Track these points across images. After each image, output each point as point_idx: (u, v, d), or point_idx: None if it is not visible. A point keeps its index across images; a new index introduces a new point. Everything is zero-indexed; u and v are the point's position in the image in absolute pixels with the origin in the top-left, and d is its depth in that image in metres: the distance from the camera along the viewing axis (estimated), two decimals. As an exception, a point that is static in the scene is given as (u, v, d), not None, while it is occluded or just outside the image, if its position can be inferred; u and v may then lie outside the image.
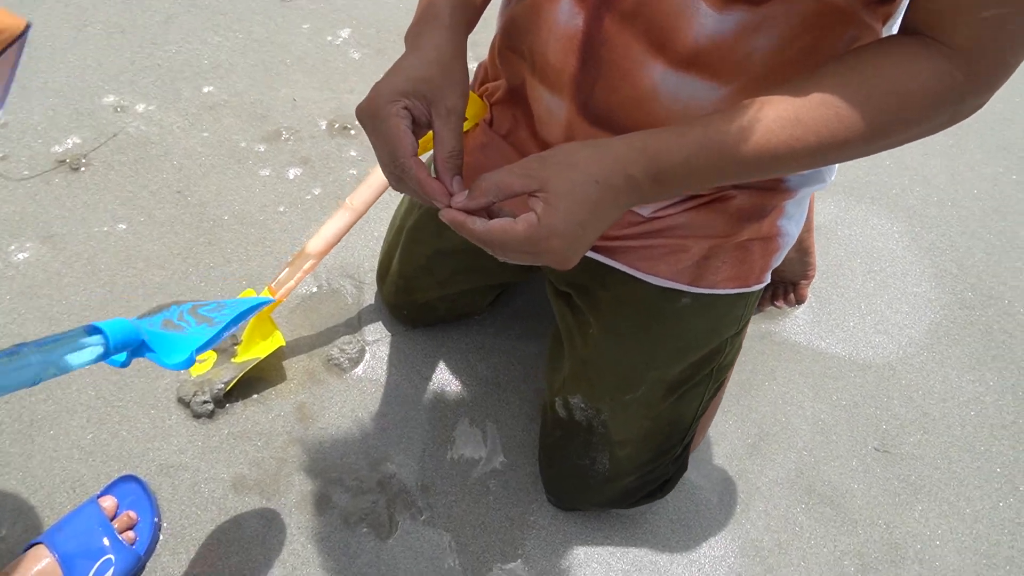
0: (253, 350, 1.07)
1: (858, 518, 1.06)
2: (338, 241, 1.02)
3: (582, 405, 0.90)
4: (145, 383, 1.05)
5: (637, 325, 0.86)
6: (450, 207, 0.62)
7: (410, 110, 0.63)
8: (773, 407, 1.16)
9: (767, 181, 0.78)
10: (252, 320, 1.06)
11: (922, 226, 1.46)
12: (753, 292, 0.86)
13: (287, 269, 1.02)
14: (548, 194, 0.58)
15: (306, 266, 1.01)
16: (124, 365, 0.65)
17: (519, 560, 0.98)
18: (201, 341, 0.66)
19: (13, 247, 1.14)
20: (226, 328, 0.70)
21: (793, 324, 1.27)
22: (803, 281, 1.25)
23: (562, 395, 0.93)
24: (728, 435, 1.12)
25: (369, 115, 0.62)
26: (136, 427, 1.02)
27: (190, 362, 0.65)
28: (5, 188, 1.20)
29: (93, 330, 0.61)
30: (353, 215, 1.02)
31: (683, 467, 0.96)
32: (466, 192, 0.61)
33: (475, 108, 0.89)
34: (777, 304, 1.26)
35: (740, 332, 0.89)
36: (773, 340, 1.24)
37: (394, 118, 0.61)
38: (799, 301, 1.27)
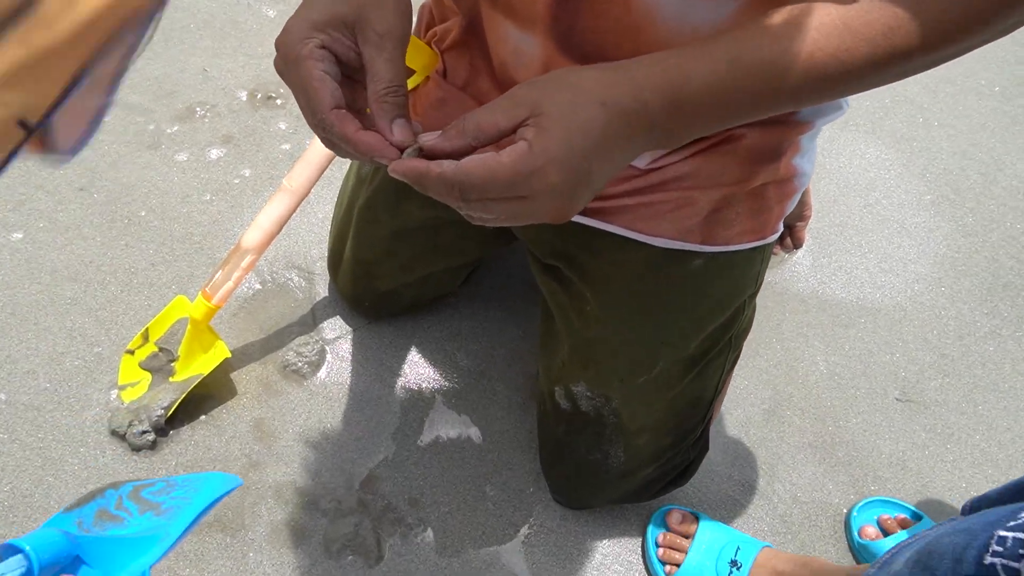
0: (194, 365, 0.91)
1: (888, 475, 0.97)
2: (279, 230, 0.87)
3: (588, 393, 0.78)
4: (68, 417, 0.89)
5: (644, 296, 0.74)
6: (399, 160, 0.47)
7: (329, 47, 0.49)
8: (785, 366, 1.05)
9: (779, 115, 0.66)
10: (189, 330, 0.90)
11: (911, 150, 1.36)
12: (769, 244, 0.74)
13: (222, 270, 0.86)
14: (541, 117, 0.45)
15: (244, 263, 0.86)
16: None
17: (529, 571, 0.86)
18: (157, 555, 0.50)
19: None
20: (188, 527, 0.53)
21: (794, 271, 1.16)
22: (799, 223, 1.15)
23: (562, 383, 0.80)
24: (741, 402, 1.01)
25: (281, 61, 0.49)
26: (64, 471, 0.86)
27: None
28: None
29: (8, 549, 0.46)
30: (293, 198, 0.86)
31: (704, 448, 0.85)
32: (425, 134, 0.48)
33: (423, 58, 0.73)
34: (774, 251, 1.16)
35: (757, 291, 0.78)
36: (775, 291, 1.13)
37: (308, 60, 0.48)
38: (797, 245, 1.17)
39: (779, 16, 0.46)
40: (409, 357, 0.99)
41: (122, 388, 0.92)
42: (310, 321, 1.00)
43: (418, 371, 0.98)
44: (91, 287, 0.98)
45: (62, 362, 0.93)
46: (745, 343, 0.80)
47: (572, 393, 0.79)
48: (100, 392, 0.91)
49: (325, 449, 0.91)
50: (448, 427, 0.95)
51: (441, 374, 0.98)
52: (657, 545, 0.87)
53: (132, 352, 0.93)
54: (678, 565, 0.85)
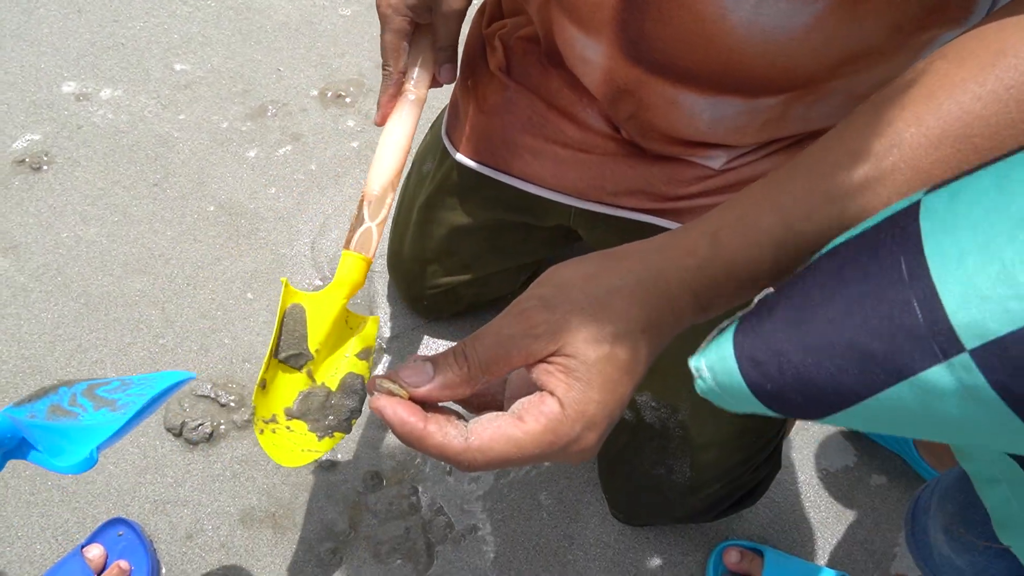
0: (348, 347, 0.70)
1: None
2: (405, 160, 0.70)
3: (652, 404, 0.74)
4: (130, 409, 0.90)
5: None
6: (382, 402, 0.36)
7: (413, 20, 0.65)
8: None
9: None
10: (318, 317, 0.68)
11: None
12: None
13: (363, 225, 0.67)
14: (571, 361, 0.35)
15: (388, 201, 0.69)
16: None
17: (604, 573, 0.82)
18: (105, 435, 0.49)
19: (-30, 262, 0.99)
20: (139, 413, 0.52)
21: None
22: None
23: (624, 391, 0.76)
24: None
25: (379, 16, 0.65)
26: (124, 459, 0.87)
27: (90, 462, 0.48)
28: (-41, 195, 1.05)
29: None
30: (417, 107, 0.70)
31: (776, 466, 0.79)
32: (430, 373, 0.36)
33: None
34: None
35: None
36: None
37: (396, 33, 0.65)
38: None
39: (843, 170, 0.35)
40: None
41: (268, 421, 0.67)
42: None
43: (476, 374, 0.95)
44: (159, 280, 1.00)
45: (128, 352, 0.94)
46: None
47: (635, 403, 0.75)
48: (162, 383, 0.92)
49: (379, 448, 0.90)
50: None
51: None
52: None
53: (264, 385, 0.66)
54: None
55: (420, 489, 0.87)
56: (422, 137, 0.91)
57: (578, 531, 0.85)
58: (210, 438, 0.89)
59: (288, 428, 0.66)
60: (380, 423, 0.91)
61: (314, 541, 0.84)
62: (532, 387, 0.36)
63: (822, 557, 0.86)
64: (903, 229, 0.27)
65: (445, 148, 0.80)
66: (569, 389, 0.34)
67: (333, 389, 0.68)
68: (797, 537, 0.87)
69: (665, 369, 0.72)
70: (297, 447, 0.65)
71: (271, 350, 0.66)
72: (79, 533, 0.83)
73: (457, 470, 0.89)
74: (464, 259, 0.88)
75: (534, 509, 0.87)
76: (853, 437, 0.94)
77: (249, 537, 0.84)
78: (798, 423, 0.93)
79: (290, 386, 0.68)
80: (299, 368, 0.68)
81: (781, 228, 0.35)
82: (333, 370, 0.70)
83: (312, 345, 0.68)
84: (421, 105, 0.70)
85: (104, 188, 1.07)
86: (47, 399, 0.52)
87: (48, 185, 1.07)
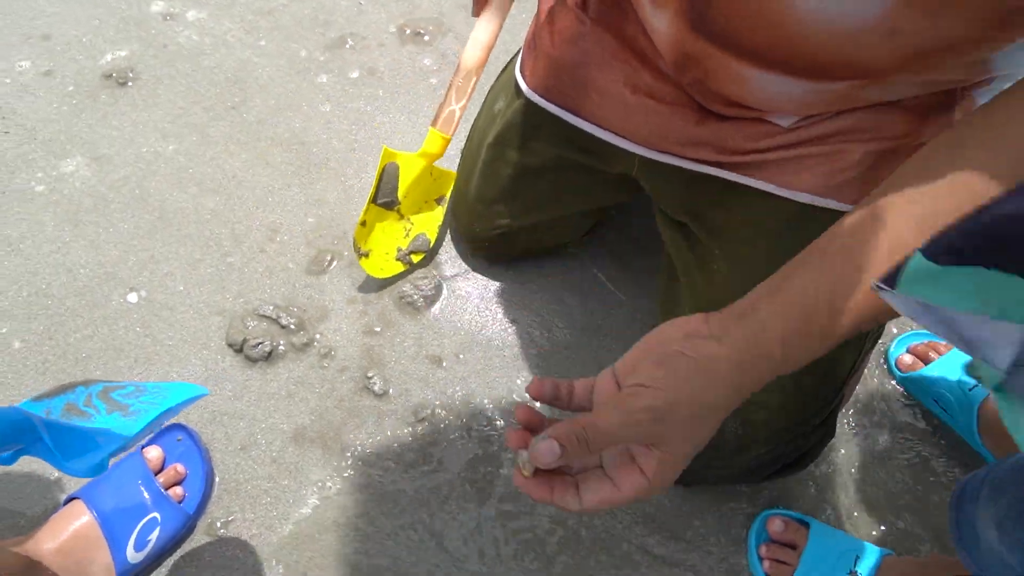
0: (428, 191, 1.00)
1: None
2: (494, 43, 0.86)
3: (706, 358, 0.73)
4: (197, 320, 0.93)
5: (780, 257, 0.66)
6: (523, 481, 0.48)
7: None
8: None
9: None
10: (409, 172, 0.93)
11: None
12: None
13: (448, 107, 0.89)
14: (668, 455, 0.46)
15: (470, 86, 0.87)
16: (8, 463, 0.52)
17: (648, 535, 0.82)
18: (117, 444, 0.52)
19: (57, 170, 1.03)
20: (150, 423, 0.56)
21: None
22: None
23: (680, 345, 0.75)
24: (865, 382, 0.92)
25: None
26: (187, 369, 0.91)
27: (100, 469, 0.52)
28: (50, 105, 1.09)
29: None
30: (500, 14, 0.85)
31: (829, 433, 0.77)
32: (557, 452, 0.45)
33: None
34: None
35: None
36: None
37: None
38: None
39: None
40: (525, 303, 0.96)
41: (363, 256, 0.95)
42: (429, 257, 0.99)
43: (532, 319, 0.95)
44: (231, 200, 1.02)
45: (197, 268, 0.97)
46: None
47: (690, 356, 0.74)
48: (228, 300, 0.95)
49: (428, 384, 0.91)
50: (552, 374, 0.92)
51: (555, 325, 0.95)
52: (761, 558, 0.80)
53: (364, 223, 0.94)
54: None
55: (471, 427, 0.88)
56: (495, 77, 0.90)
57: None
58: (268, 357, 0.91)
59: (384, 255, 0.96)
60: (432, 360, 0.92)
61: (360, 462, 0.86)
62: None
63: (868, 535, 0.84)
64: None
65: (517, 86, 0.79)
66: (658, 471, 0.46)
67: (414, 225, 0.98)
68: (844, 512, 0.85)
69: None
70: (386, 268, 0.96)
71: (371, 196, 0.93)
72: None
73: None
74: (527, 202, 0.87)
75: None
76: (915, 415, 0.90)
77: (299, 454, 0.86)
78: (861, 398, 0.90)
79: (383, 224, 0.96)
80: (391, 209, 0.96)
81: (836, 334, 0.45)
82: (416, 208, 0.99)
83: (401, 193, 0.94)
84: (509, 6, 0.84)
85: (184, 107, 1.10)
86: (63, 397, 0.55)
87: (132, 100, 1.10)
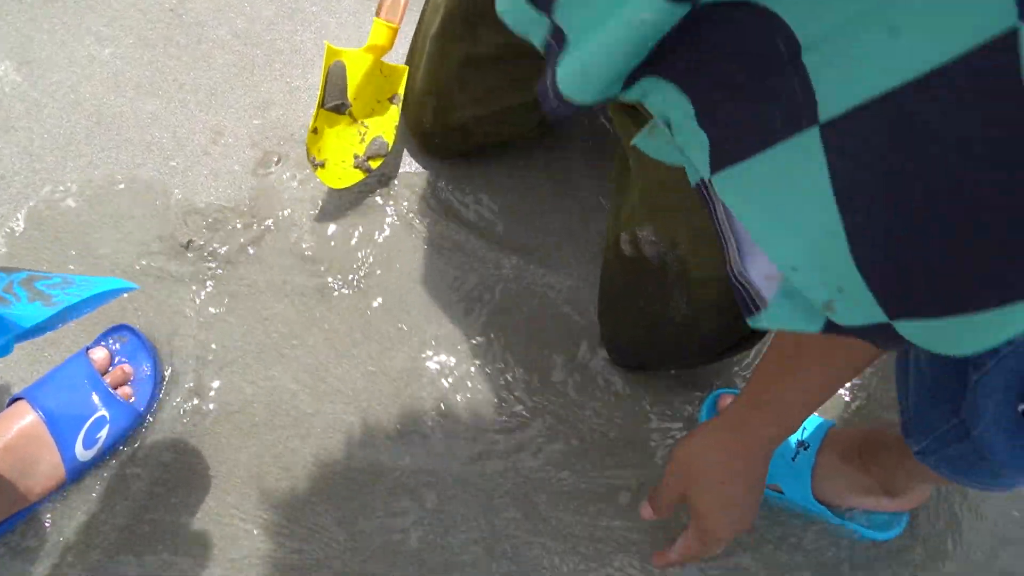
0: (379, 90, 0.94)
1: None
2: None
3: (653, 238, 0.73)
4: (140, 225, 0.91)
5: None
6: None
7: None
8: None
9: None
10: (356, 71, 0.90)
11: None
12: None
13: None
14: (692, 509, 0.66)
15: None
16: None
17: (606, 423, 0.83)
18: (28, 324, 0.51)
19: (-15, 73, 0.98)
20: (69, 312, 0.54)
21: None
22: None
23: (629, 228, 0.75)
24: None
25: None
26: (129, 274, 0.88)
27: (6, 350, 0.51)
28: (-26, 8, 1.03)
29: None
30: None
31: (777, 312, 0.78)
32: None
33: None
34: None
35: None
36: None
37: None
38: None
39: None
40: (480, 198, 0.95)
41: (319, 166, 0.91)
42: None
43: (486, 215, 0.94)
44: (171, 104, 0.99)
45: (139, 172, 0.94)
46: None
47: (637, 238, 0.74)
48: (172, 203, 0.92)
49: (383, 282, 0.90)
50: (513, 276, 0.91)
51: (511, 219, 0.94)
52: None
53: (316, 130, 0.91)
54: None
55: (421, 321, 0.88)
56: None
57: (575, 379, 0.86)
58: (215, 258, 0.89)
59: (341, 163, 0.91)
60: (382, 259, 0.91)
61: (308, 368, 0.85)
62: None
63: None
64: None
65: (459, -32, 0.77)
66: (692, 527, 0.68)
67: (369, 128, 0.92)
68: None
69: (668, 204, 0.71)
70: (344, 177, 0.91)
71: (319, 101, 0.89)
72: (85, 338, 0.85)
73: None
74: (477, 92, 0.85)
75: (536, 349, 0.87)
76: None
77: (250, 351, 0.85)
78: None
79: (336, 129, 0.91)
80: (342, 113, 0.91)
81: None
82: (369, 110, 0.93)
83: (351, 94, 0.90)
84: None
85: (120, 9, 1.05)
86: None
87: (64, 3, 1.05)
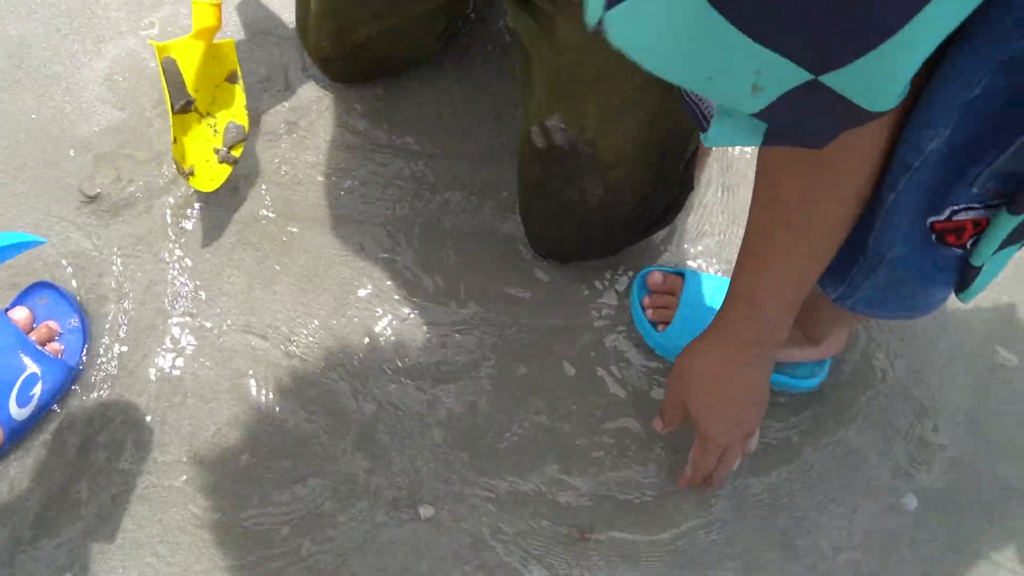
0: (215, 77, 0.88)
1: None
2: None
3: (562, 126, 0.74)
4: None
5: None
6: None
7: None
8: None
9: None
10: (189, 61, 0.84)
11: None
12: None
13: None
14: (691, 419, 0.71)
15: None
16: None
17: (537, 315, 0.85)
18: None
19: None
20: None
21: None
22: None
23: (538, 121, 0.76)
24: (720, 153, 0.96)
25: None
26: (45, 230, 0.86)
27: None
28: None
29: None
30: None
31: (688, 186, 0.81)
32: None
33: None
34: None
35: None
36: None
37: None
38: None
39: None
40: (391, 118, 0.95)
41: (189, 175, 0.86)
42: (282, 86, 0.96)
43: (398, 134, 0.94)
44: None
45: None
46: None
47: (547, 128, 0.75)
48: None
49: (304, 208, 0.90)
50: (434, 186, 0.92)
51: (425, 135, 0.94)
52: (644, 308, 0.84)
53: (176, 139, 0.86)
54: (668, 323, 0.82)
55: (350, 243, 0.88)
56: None
57: (503, 275, 0.88)
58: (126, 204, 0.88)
59: (206, 163, 0.86)
60: (304, 179, 0.91)
61: (235, 304, 0.85)
62: None
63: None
64: None
65: None
66: (697, 436, 0.72)
67: (218, 118, 0.87)
68: (717, 265, 0.90)
69: (572, 91, 0.72)
70: (214, 176, 0.86)
71: (169, 107, 0.83)
72: (2, 302, 0.83)
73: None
74: (375, 6, 0.85)
75: (477, 253, 0.89)
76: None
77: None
78: (716, 150, 0.94)
79: (190, 131, 0.86)
80: (189, 111, 0.85)
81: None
82: (211, 98, 0.88)
83: (190, 87, 0.85)
84: None
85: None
86: None
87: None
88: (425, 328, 0.85)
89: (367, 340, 0.84)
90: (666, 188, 0.78)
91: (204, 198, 0.89)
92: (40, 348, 0.78)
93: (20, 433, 0.77)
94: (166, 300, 0.85)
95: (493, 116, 0.96)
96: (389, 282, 0.87)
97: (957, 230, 0.50)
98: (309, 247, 0.88)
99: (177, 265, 0.86)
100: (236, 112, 0.88)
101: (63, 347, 0.80)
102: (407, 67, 0.96)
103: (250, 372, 0.82)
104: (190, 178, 0.85)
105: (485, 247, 0.89)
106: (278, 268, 0.87)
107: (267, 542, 0.76)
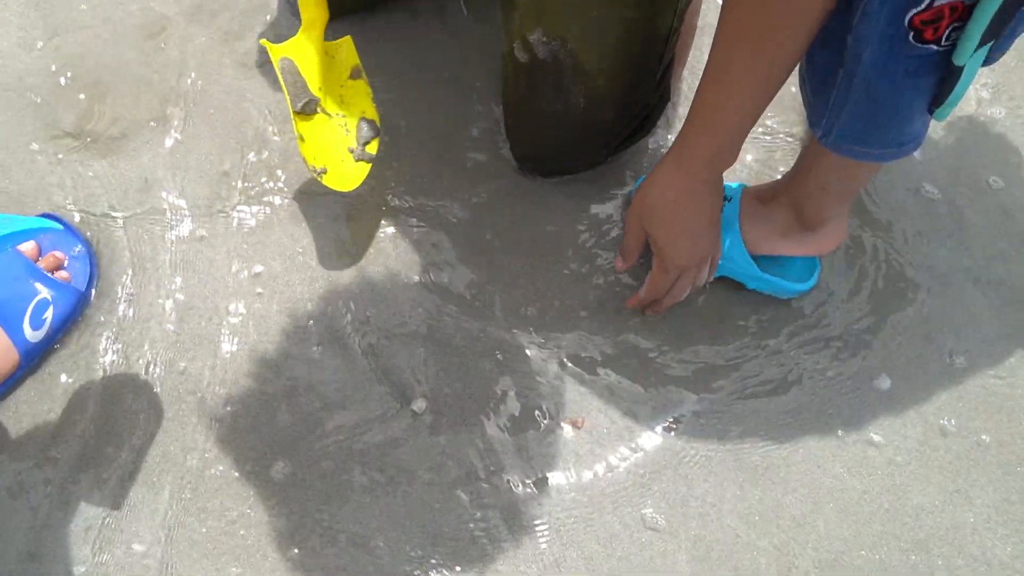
0: (340, 74, 0.87)
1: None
2: None
3: (544, 39, 0.78)
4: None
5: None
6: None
7: None
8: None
9: None
10: (305, 61, 0.82)
11: None
12: None
13: None
14: (652, 243, 0.76)
15: None
16: None
17: (530, 224, 0.89)
18: None
19: None
20: None
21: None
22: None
23: (520, 37, 0.80)
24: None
25: None
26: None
27: None
28: None
29: None
30: None
31: (665, 97, 0.86)
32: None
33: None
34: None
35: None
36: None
37: None
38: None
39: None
40: (373, 51, 0.98)
41: (322, 173, 0.83)
42: (264, 25, 0.98)
43: (382, 64, 0.97)
44: None
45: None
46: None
47: (529, 43, 0.79)
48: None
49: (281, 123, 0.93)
50: (414, 112, 0.95)
51: (409, 64, 0.97)
52: None
53: (302, 137, 0.83)
54: None
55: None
56: None
57: (489, 188, 0.92)
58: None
59: (341, 162, 0.85)
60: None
61: (233, 247, 0.88)
62: None
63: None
64: None
65: None
66: (655, 258, 0.77)
67: (347, 115, 0.86)
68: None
69: (553, 6, 0.76)
70: (353, 176, 0.85)
71: (290, 107, 0.81)
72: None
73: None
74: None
75: (448, 166, 0.92)
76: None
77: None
78: (691, 63, 0.98)
79: (317, 131, 0.84)
80: (315, 111, 0.84)
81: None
82: (338, 99, 0.86)
83: (313, 87, 0.82)
84: None
85: None
86: None
87: None
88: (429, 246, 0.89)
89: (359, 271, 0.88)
90: (645, 95, 0.82)
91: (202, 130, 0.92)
92: (49, 274, 0.80)
93: (35, 356, 0.80)
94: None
95: (472, 46, 0.99)
96: (379, 215, 0.91)
97: (936, 20, 0.52)
98: (295, 183, 0.91)
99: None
100: (365, 107, 0.87)
101: (72, 275, 0.83)
102: (384, 8, 0.99)
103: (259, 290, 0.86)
104: (323, 176, 0.83)
105: (471, 169, 0.93)
106: (277, 203, 0.90)
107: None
